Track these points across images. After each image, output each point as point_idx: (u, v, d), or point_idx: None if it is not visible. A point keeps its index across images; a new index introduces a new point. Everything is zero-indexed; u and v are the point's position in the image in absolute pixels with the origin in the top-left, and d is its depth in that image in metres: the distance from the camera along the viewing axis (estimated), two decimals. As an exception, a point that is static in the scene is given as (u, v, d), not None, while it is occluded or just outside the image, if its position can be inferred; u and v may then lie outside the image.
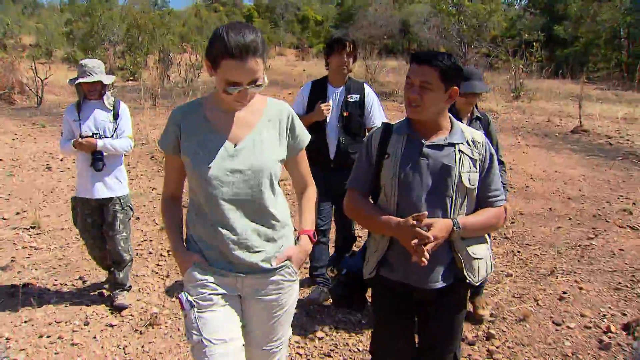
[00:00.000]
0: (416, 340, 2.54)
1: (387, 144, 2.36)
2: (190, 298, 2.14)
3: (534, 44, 16.07)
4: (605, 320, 3.98)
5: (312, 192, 2.45)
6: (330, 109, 4.04)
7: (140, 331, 3.80)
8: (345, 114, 4.06)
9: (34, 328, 3.80)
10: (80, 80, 3.89)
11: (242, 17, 45.02)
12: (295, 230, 2.37)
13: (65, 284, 4.49)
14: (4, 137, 10.30)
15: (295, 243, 2.34)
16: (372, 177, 2.40)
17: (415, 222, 2.13)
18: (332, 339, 3.76)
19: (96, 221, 4.08)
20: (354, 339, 3.75)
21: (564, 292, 4.39)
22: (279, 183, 2.27)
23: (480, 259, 2.36)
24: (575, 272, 4.77)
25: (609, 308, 4.17)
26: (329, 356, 3.56)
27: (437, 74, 2.19)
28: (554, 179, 7.85)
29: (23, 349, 3.55)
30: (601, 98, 16.71)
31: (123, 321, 3.93)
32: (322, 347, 3.66)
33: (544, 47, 21.51)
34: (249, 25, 2.03)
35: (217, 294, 2.16)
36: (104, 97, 4.07)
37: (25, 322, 3.88)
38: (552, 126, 12.22)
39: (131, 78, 20.73)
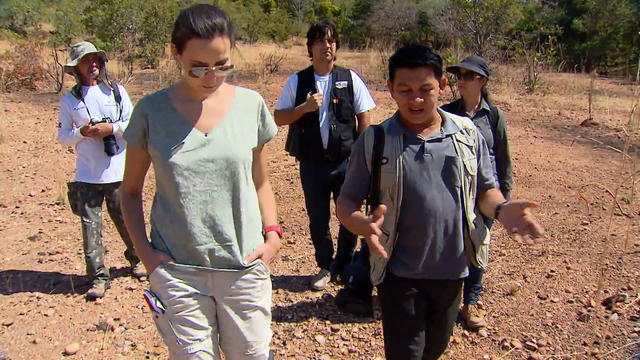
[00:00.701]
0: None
1: (382, 148, 2.31)
2: (159, 304, 2.10)
3: (549, 37, 16.16)
4: (587, 296, 4.31)
5: (269, 186, 2.43)
6: (322, 98, 4.04)
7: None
8: (335, 101, 4.08)
9: (61, 289, 4.23)
10: (85, 52, 3.88)
11: (260, 7, 45.30)
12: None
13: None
14: (27, 120, 10.78)
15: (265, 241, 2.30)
16: (367, 183, 2.36)
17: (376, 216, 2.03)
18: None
19: (98, 206, 4.12)
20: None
21: (552, 271, 4.72)
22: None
23: (486, 244, 2.42)
24: (565, 254, 5.09)
25: (593, 286, 4.49)
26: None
27: (432, 72, 2.16)
28: (557, 169, 8.13)
29: (52, 307, 3.98)
30: (616, 92, 16.84)
31: (141, 286, 4.34)
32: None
33: (562, 41, 21.60)
34: (214, 7, 2.01)
35: (188, 296, 2.12)
36: (103, 78, 4.09)
37: (54, 284, 4.31)
38: (563, 119, 12.44)
39: (149, 66, 21.22)
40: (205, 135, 2.06)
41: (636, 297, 4.26)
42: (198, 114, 2.08)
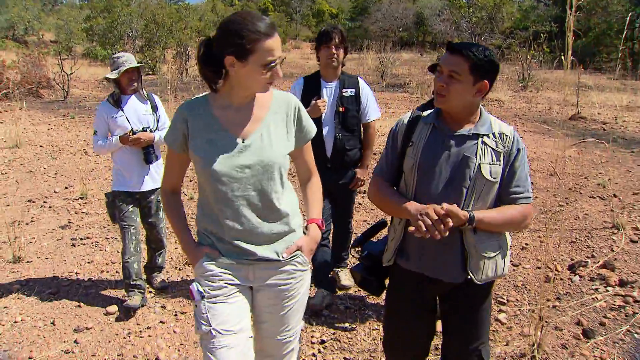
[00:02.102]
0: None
1: (413, 132, 2.41)
2: (200, 288, 2.24)
3: (541, 35, 16.88)
4: (555, 263, 5.00)
5: (317, 182, 2.55)
6: (326, 105, 4.01)
7: (179, 268, 4.94)
8: (341, 109, 4.06)
9: (95, 266, 4.94)
10: (126, 67, 3.99)
11: (258, 11, 46.03)
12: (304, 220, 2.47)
13: (116, 238, 5.61)
14: (40, 127, 11.50)
15: (305, 233, 2.44)
16: (397, 165, 2.45)
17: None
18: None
19: (136, 212, 4.21)
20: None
21: (526, 244, 5.41)
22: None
23: (489, 258, 2.34)
24: (540, 230, 5.78)
25: (561, 255, 5.17)
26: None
27: (467, 65, 2.19)
28: (542, 159, 8.81)
29: (90, 279, 4.70)
30: (608, 87, 17.55)
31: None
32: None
33: (557, 38, 22.26)
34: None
35: (229, 284, 2.26)
36: (142, 90, 4.23)
37: (88, 262, 5.02)
38: (552, 114, 13.14)
39: (150, 72, 21.92)
40: (243, 142, 2.18)
41: (598, 263, 4.94)
42: (236, 120, 2.21)
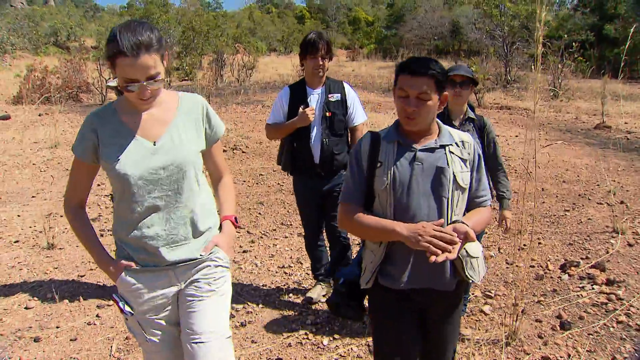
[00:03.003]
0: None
1: (378, 153, 2.41)
2: (127, 308, 2.29)
3: (573, 44, 16.97)
4: (548, 263, 5.31)
5: (228, 181, 2.60)
6: (314, 113, 4.06)
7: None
8: (327, 114, 4.10)
9: (120, 254, 5.47)
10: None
11: (295, 19, 46.94)
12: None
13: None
14: (77, 129, 12.19)
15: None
16: (365, 187, 2.45)
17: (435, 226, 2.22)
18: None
19: None
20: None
21: (525, 245, 5.72)
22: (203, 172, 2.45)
23: (477, 257, 2.45)
24: (540, 233, 6.09)
25: (556, 256, 5.48)
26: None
27: (432, 83, 2.27)
28: (558, 167, 9.06)
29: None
30: (642, 97, 17.55)
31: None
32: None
33: (594, 47, 22.27)
34: (143, 23, 2.11)
35: (154, 297, 2.31)
36: None
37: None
38: (578, 123, 13.28)
39: (186, 78, 22.69)
40: (154, 144, 2.23)
41: (590, 263, 5.24)
42: (144, 124, 2.25)
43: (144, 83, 2.08)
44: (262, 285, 4.90)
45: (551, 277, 5.02)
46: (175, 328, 2.40)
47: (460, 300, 2.58)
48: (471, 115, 3.91)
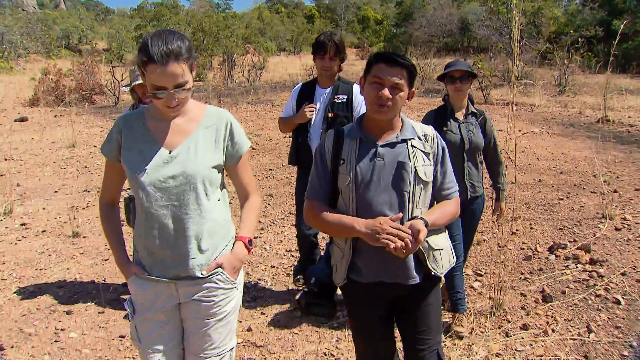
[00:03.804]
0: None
1: (341, 150, 2.47)
2: (129, 309, 2.42)
3: (579, 40, 17.32)
4: (537, 245, 5.75)
5: (254, 202, 2.59)
6: (314, 111, 4.17)
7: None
8: (330, 115, 4.16)
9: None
10: (136, 82, 4.32)
11: (304, 18, 47.43)
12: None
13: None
14: (93, 129, 12.78)
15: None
16: (329, 184, 2.50)
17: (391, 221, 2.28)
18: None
19: None
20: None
21: (517, 230, 6.17)
22: (223, 188, 2.49)
23: (442, 249, 2.52)
24: (533, 219, 6.52)
25: (546, 239, 5.91)
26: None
27: (406, 75, 2.35)
28: (557, 159, 9.46)
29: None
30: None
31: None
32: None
33: (603, 42, 22.54)
34: (174, 32, 2.20)
35: (156, 304, 2.39)
36: None
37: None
38: (582, 117, 13.65)
39: (197, 79, 23.24)
40: (169, 153, 2.29)
41: (576, 246, 5.67)
42: (166, 132, 2.32)
43: (172, 91, 2.16)
44: (271, 266, 5.39)
45: (539, 258, 5.46)
46: (172, 342, 2.47)
47: (435, 298, 2.59)
48: (473, 109, 4.04)
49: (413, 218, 2.39)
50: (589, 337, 4.02)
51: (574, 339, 4.01)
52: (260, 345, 3.99)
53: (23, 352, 3.91)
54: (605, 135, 11.32)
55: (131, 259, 2.47)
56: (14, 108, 15.96)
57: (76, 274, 5.15)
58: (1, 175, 8.78)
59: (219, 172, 2.41)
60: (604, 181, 7.92)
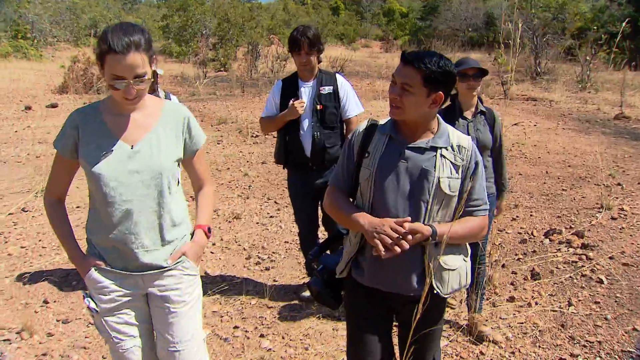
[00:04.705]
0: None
1: (369, 143, 2.44)
2: (92, 304, 2.41)
3: (602, 36, 17.55)
4: (534, 230, 6.22)
5: (209, 189, 2.67)
6: (304, 106, 4.11)
7: (229, 220, 6.51)
8: (319, 107, 4.13)
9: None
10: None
11: (329, 10, 47.89)
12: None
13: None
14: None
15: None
16: (352, 174, 2.49)
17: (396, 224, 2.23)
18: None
19: None
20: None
21: (517, 216, 6.64)
22: (178, 182, 2.50)
23: (453, 270, 2.42)
24: (534, 207, 6.98)
25: (544, 225, 6.38)
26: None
27: (419, 77, 2.23)
28: (568, 153, 9.85)
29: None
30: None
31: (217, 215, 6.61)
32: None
33: (629, 38, 22.64)
34: (133, 24, 2.24)
35: (120, 296, 2.41)
36: (159, 92, 4.44)
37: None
38: (599, 113, 13.96)
39: (222, 69, 23.84)
40: (132, 148, 2.31)
41: (571, 232, 6.13)
42: (125, 127, 2.33)
43: (131, 82, 2.17)
44: (285, 242, 5.97)
45: (534, 242, 5.94)
46: (142, 326, 2.52)
47: (437, 314, 2.56)
48: (482, 108, 4.03)
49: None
50: (568, 310, 4.50)
51: (554, 311, 4.51)
52: (271, 307, 4.57)
53: (64, 306, 4.53)
54: (620, 132, 11.66)
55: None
56: (44, 95, 16.70)
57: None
58: (36, 157, 9.47)
59: (179, 166, 2.51)
60: (610, 175, 8.32)
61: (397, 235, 2.22)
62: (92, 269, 2.39)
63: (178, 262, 2.45)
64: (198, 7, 28.19)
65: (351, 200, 2.57)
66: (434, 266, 2.34)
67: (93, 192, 2.35)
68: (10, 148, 10.03)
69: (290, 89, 4.26)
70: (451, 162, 2.36)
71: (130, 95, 2.21)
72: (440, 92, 2.28)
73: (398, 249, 2.21)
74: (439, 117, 2.46)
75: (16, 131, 11.40)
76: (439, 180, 2.31)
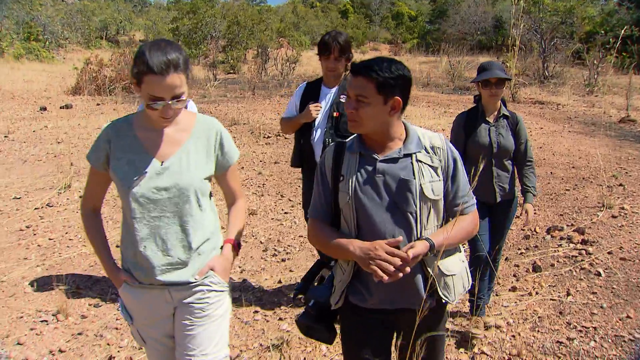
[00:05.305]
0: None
1: (341, 165, 2.35)
2: (125, 316, 2.50)
3: (610, 40, 17.82)
4: (537, 227, 6.55)
5: (241, 205, 2.65)
6: (319, 110, 4.11)
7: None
8: (335, 114, 4.09)
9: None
10: None
11: (338, 13, 48.33)
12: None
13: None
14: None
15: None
16: (331, 202, 2.39)
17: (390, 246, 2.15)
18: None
19: None
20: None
21: (520, 214, 6.94)
22: (210, 196, 2.51)
23: (454, 274, 2.38)
24: (537, 206, 7.30)
25: (547, 223, 6.70)
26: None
27: (372, 86, 2.17)
28: (572, 155, 10.17)
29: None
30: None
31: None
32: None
33: (638, 42, 22.88)
34: (171, 43, 2.20)
35: (148, 312, 2.46)
36: None
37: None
38: (605, 117, 14.25)
39: (231, 71, 24.26)
40: (161, 164, 2.30)
41: (572, 229, 6.45)
42: (157, 143, 2.33)
43: (169, 102, 2.16)
44: (299, 236, 6.34)
45: (536, 238, 6.28)
46: (169, 340, 2.55)
47: (440, 323, 2.50)
48: (505, 112, 4.06)
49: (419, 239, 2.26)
50: (566, 299, 4.83)
51: (554, 300, 4.84)
52: (288, 294, 4.94)
53: (95, 292, 4.91)
54: (625, 134, 11.96)
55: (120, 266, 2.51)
56: (57, 96, 17.14)
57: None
58: (55, 156, 9.88)
59: (209, 182, 2.47)
60: (613, 176, 8.63)
61: (396, 259, 2.13)
62: (124, 284, 2.44)
63: (205, 277, 2.44)
64: (208, 10, 28.55)
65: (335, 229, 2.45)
66: (435, 275, 2.30)
67: (123, 206, 2.37)
68: (30, 147, 10.47)
69: (312, 92, 4.27)
70: (429, 165, 2.30)
71: (167, 115, 2.22)
72: (397, 97, 2.23)
73: (400, 274, 2.13)
74: (405, 122, 2.40)
75: (34, 131, 11.84)
76: (421, 187, 2.25)
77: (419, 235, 2.25)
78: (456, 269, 2.40)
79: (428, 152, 2.31)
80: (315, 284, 2.61)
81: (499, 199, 4.14)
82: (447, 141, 2.40)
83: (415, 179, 2.24)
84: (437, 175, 2.30)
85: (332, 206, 2.39)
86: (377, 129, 2.28)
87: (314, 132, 4.19)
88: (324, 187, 2.41)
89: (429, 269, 2.29)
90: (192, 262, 2.39)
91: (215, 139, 2.43)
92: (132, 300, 2.45)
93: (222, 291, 2.51)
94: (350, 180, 2.29)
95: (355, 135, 2.39)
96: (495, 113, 4.05)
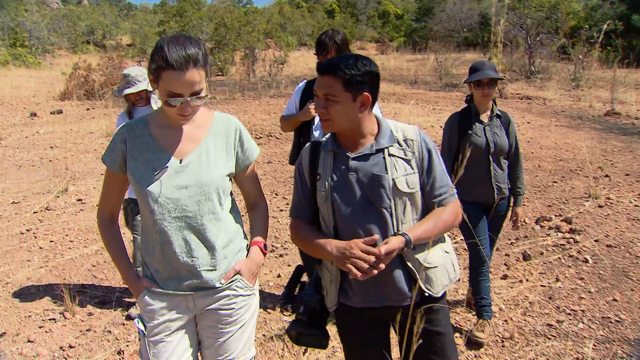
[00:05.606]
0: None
1: (318, 164, 2.36)
2: (141, 325, 2.32)
3: (594, 34, 18.12)
4: (526, 218, 6.76)
5: (263, 206, 2.57)
6: None
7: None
8: None
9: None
10: (127, 91, 4.28)
11: (324, 13, 48.50)
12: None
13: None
14: (126, 121, 13.96)
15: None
16: (310, 201, 2.40)
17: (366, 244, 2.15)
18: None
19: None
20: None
21: (510, 217, 7.15)
22: (231, 195, 2.43)
23: (436, 267, 2.34)
24: (526, 198, 7.52)
25: (535, 214, 6.92)
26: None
27: (339, 83, 2.18)
28: (559, 148, 10.41)
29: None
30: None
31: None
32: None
33: (622, 36, 23.25)
34: (190, 38, 2.11)
35: (170, 321, 2.32)
36: (152, 102, 4.45)
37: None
38: (591, 110, 14.54)
39: (219, 73, 24.37)
40: (180, 162, 2.22)
41: (560, 218, 6.68)
42: (174, 141, 2.25)
43: (188, 99, 2.09)
44: (295, 232, 6.47)
45: (525, 228, 6.49)
46: (187, 352, 2.42)
47: (440, 320, 2.43)
48: (497, 111, 4.10)
49: (395, 235, 2.23)
50: (555, 285, 5.05)
51: (543, 286, 5.05)
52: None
53: (99, 291, 5.07)
54: (610, 127, 12.23)
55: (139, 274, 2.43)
56: (47, 101, 17.21)
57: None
58: (49, 161, 10.01)
59: (230, 180, 2.40)
60: (599, 167, 8.89)
61: (370, 256, 2.12)
62: (145, 291, 2.33)
63: (232, 282, 2.35)
64: (195, 13, 28.64)
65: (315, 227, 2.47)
66: (415, 268, 2.28)
67: (142, 208, 2.27)
68: (23, 153, 10.60)
69: (311, 90, 4.06)
70: (402, 158, 2.29)
71: (186, 112, 2.14)
72: (366, 93, 2.22)
73: (375, 271, 2.12)
74: (378, 116, 2.40)
75: (26, 137, 11.96)
76: (394, 182, 2.23)
77: (395, 231, 2.24)
78: (439, 260, 2.36)
79: (401, 145, 2.30)
80: (296, 291, 2.54)
81: (496, 198, 4.20)
82: (422, 133, 2.39)
83: (387, 173, 2.24)
84: (412, 167, 2.28)
85: (312, 205, 2.40)
86: (349, 127, 2.28)
87: (313, 130, 4.22)
88: (302, 187, 2.42)
89: (409, 264, 2.27)
90: (218, 266, 2.31)
91: (235, 136, 2.37)
92: (150, 308, 2.33)
93: (249, 295, 2.43)
94: (326, 180, 2.31)
95: (329, 134, 2.40)
96: (488, 112, 4.10)
